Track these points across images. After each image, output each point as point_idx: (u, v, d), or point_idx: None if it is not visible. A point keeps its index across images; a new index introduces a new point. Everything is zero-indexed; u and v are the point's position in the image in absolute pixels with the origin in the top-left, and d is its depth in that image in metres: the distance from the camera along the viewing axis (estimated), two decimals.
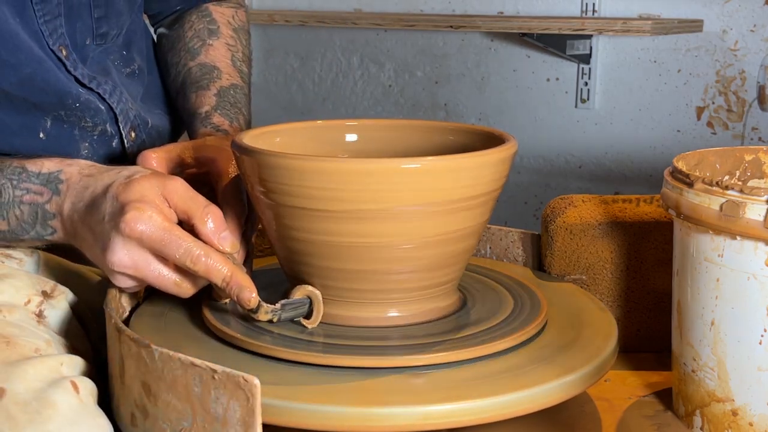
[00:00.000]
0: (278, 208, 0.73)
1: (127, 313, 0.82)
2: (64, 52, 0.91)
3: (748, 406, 0.71)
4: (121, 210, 0.73)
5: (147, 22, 1.15)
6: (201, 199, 0.76)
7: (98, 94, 0.94)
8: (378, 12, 2.75)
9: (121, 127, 0.96)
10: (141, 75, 1.06)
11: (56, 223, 0.80)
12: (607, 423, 0.78)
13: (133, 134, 0.98)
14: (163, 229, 0.73)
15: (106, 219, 0.75)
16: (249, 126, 1.03)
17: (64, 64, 0.91)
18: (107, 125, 0.95)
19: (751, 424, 0.71)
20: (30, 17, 0.88)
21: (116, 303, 0.79)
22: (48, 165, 0.81)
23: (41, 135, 0.91)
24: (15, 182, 0.81)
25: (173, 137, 1.08)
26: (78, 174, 0.80)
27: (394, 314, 0.76)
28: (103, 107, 0.94)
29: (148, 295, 0.85)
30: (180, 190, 0.76)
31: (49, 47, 0.90)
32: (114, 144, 0.96)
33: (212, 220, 0.75)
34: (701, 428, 0.75)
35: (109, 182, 0.77)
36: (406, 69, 2.79)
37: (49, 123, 0.91)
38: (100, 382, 0.76)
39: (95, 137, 0.94)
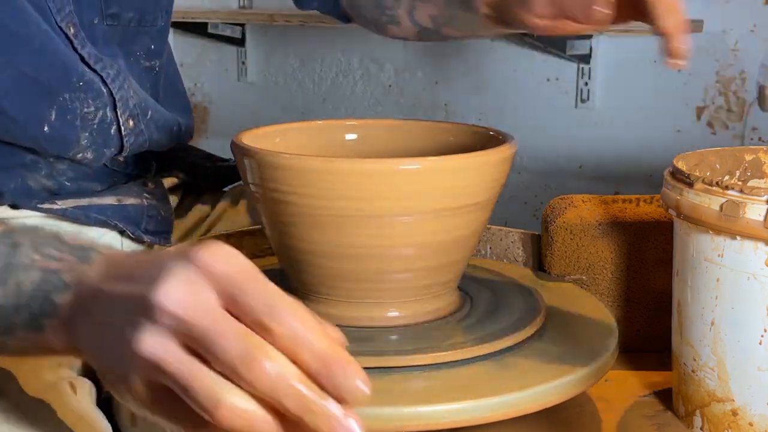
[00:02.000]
0: (278, 208, 0.73)
1: None
2: (71, 30, 0.91)
3: (748, 406, 0.71)
4: (184, 253, 0.48)
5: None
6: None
7: (101, 77, 0.94)
8: None
9: (119, 113, 0.95)
10: (158, 71, 1.05)
11: (66, 297, 0.53)
12: (607, 423, 0.78)
13: (131, 122, 0.97)
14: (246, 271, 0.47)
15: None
16: None
17: (72, 42, 0.91)
18: (107, 110, 0.94)
19: (751, 424, 0.71)
20: None
21: None
22: (87, 241, 0.57)
23: (46, 129, 0.90)
24: (39, 245, 0.56)
25: (179, 132, 1.06)
26: (122, 253, 0.57)
27: (394, 314, 0.76)
28: (104, 90, 0.94)
29: None
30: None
31: (56, 24, 0.90)
32: (112, 132, 0.95)
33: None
34: (701, 428, 0.74)
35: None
36: (406, 69, 2.79)
37: (53, 115, 0.90)
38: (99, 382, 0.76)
39: (95, 126, 0.93)
